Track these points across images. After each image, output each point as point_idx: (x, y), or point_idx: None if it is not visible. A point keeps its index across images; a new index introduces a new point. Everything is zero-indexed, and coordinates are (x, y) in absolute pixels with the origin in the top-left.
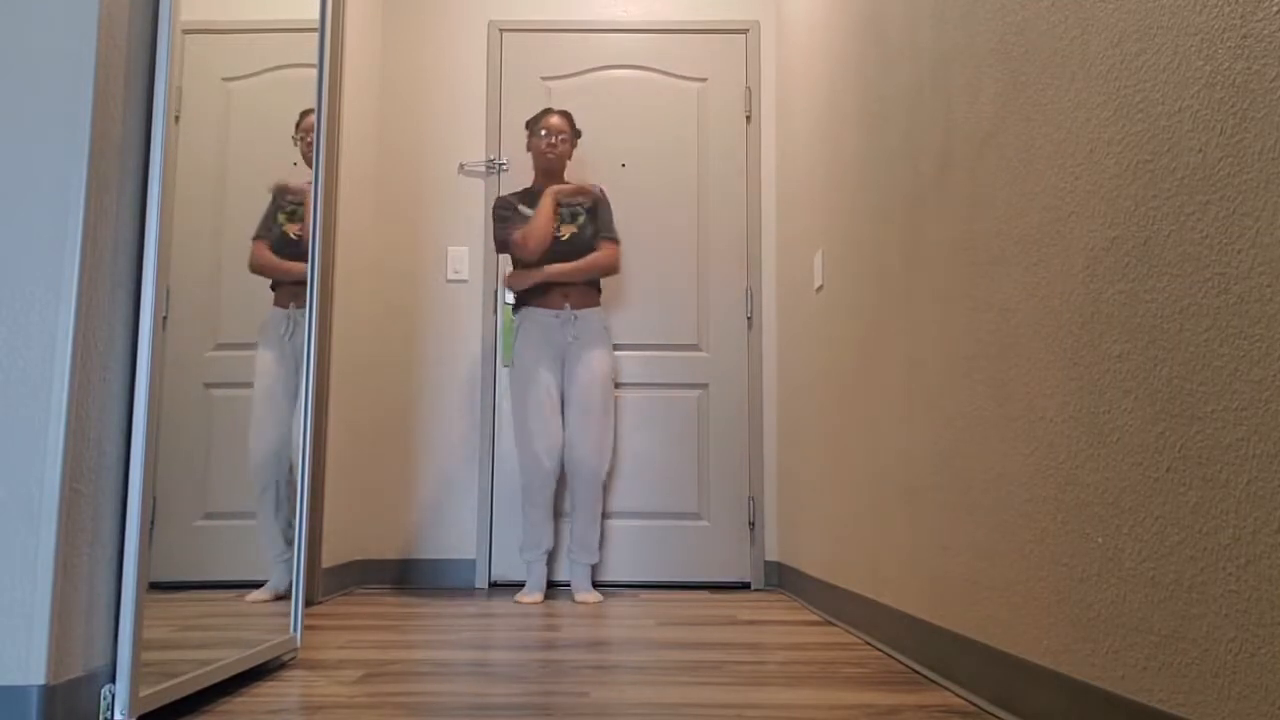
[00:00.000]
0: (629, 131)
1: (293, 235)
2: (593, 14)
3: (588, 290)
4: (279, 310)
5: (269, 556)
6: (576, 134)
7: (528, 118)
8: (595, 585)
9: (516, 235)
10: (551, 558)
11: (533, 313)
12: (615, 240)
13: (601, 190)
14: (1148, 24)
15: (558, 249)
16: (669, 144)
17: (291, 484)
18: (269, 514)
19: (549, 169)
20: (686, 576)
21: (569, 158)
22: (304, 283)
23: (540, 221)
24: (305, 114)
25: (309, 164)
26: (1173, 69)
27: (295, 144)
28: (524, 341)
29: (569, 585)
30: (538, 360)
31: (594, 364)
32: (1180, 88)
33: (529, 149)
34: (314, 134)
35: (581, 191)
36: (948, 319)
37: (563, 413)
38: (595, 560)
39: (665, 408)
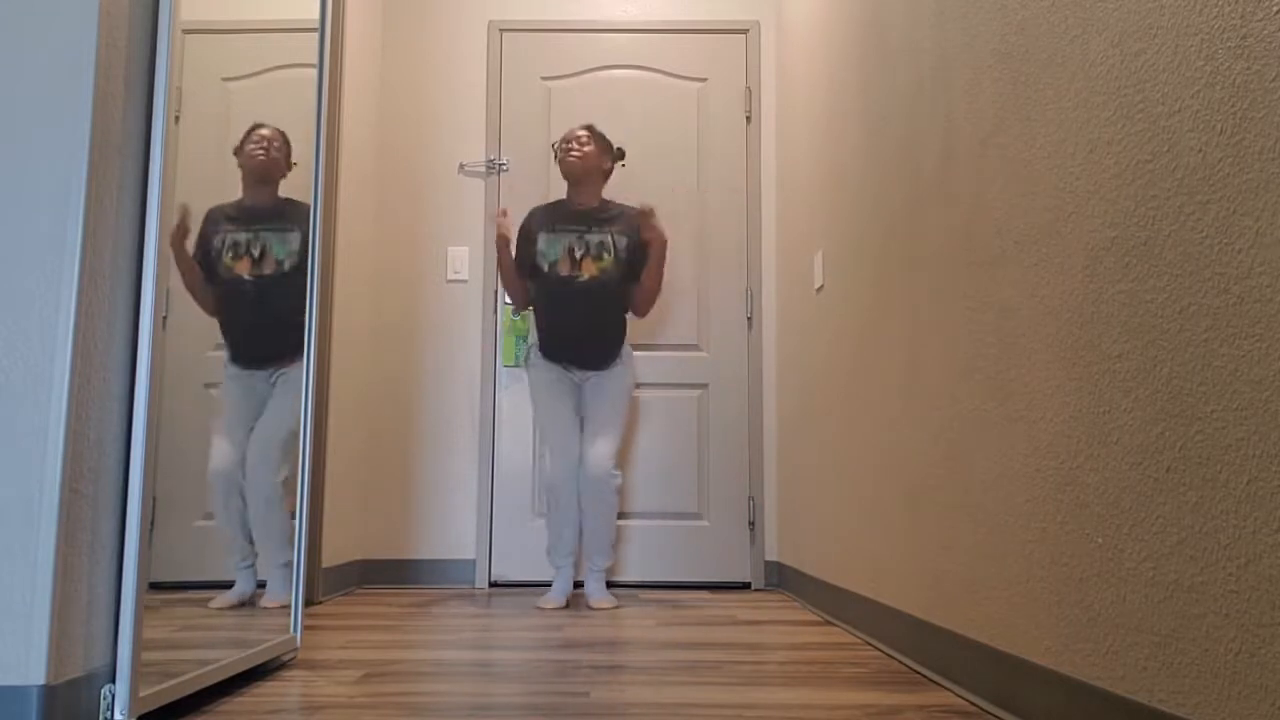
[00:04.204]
0: (629, 131)
1: (246, 276)
2: (592, 14)
3: (604, 355)
4: (250, 368)
5: (233, 561)
6: (612, 152)
7: (523, 119)
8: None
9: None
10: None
11: (541, 356)
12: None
13: (647, 222)
14: (1148, 24)
15: (576, 291)
16: (669, 144)
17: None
18: (235, 520)
19: (574, 178)
20: (686, 576)
21: (601, 167)
22: (280, 337)
23: (504, 277)
24: (256, 127)
25: (248, 166)
26: (1173, 69)
27: (237, 156)
28: (537, 370)
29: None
30: (552, 387)
31: (611, 388)
32: (1180, 88)
33: (563, 175)
34: (266, 142)
35: (596, 216)
36: (948, 319)
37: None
38: (607, 563)
39: (665, 408)
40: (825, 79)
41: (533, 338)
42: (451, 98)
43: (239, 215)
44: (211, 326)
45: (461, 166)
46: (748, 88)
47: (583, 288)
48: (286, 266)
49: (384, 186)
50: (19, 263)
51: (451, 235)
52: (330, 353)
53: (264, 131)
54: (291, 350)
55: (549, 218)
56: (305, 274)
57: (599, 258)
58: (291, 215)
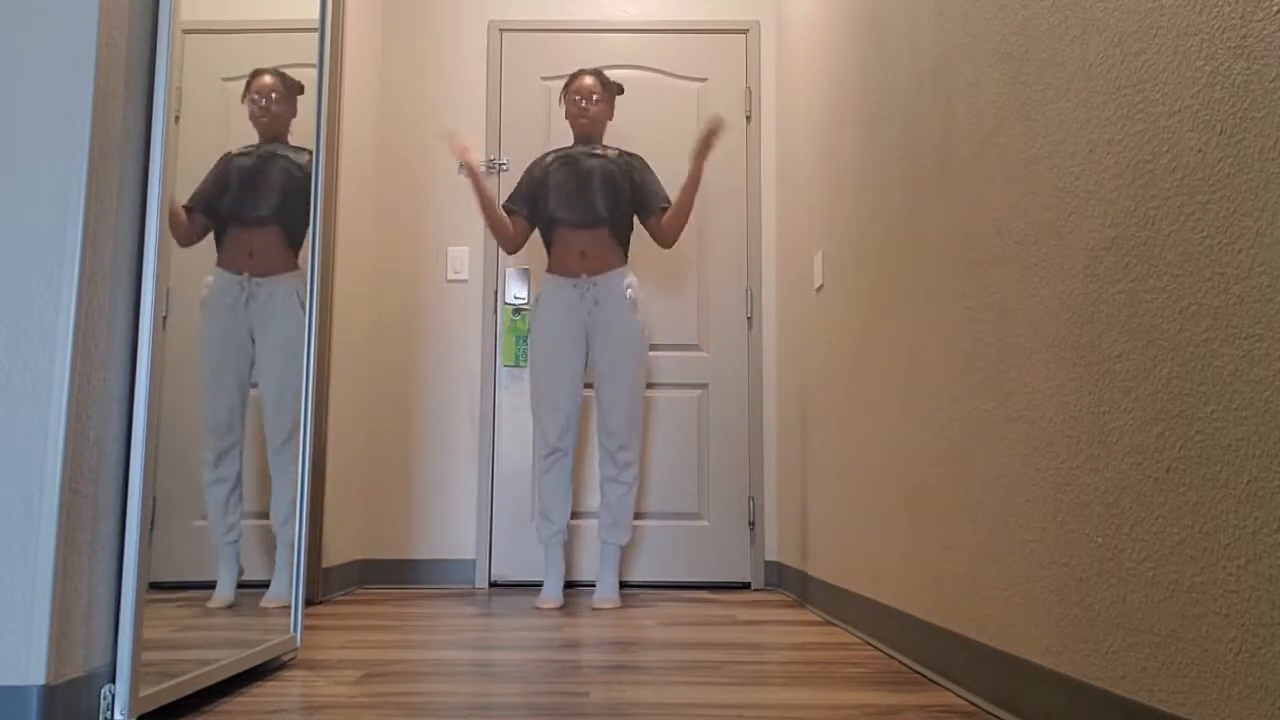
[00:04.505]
0: (629, 131)
1: (247, 165)
2: (593, 14)
3: (609, 250)
4: (228, 275)
5: (216, 539)
6: (614, 92)
7: (523, 119)
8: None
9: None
10: (566, 551)
11: (550, 280)
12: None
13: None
14: (1148, 24)
15: (584, 166)
16: (669, 144)
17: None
18: (220, 504)
19: (584, 133)
20: (686, 576)
21: (608, 118)
22: (261, 240)
23: (487, 215)
24: (255, 75)
25: (255, 127)
26: (1173, 69)
27: (243, 102)
28: (542, 313)
29: (586, 585)
30: (556, 337)
31: (618, 332)
32: (1180, 88)
33: (566, 117)
34: (265, 96)
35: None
36: (947, 319)
37: (594, 382)
38: (625, 539)
39: (665, 408)
40: (825, 79)
41: (535, 308)
42: (451, 98)
43: (250, 151)
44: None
45: (461, 166)
46: (748, 88)
47: (589, 165)
48: (290, 180)
49: (384, 186)
50: (19, 263)
51: (451, 235)
52: (330, 353)
53: (264, 81)
54: (277, 257)
55: (560, 156)
56: (308, 198)
57: (603, 157)
58: (299, 154)
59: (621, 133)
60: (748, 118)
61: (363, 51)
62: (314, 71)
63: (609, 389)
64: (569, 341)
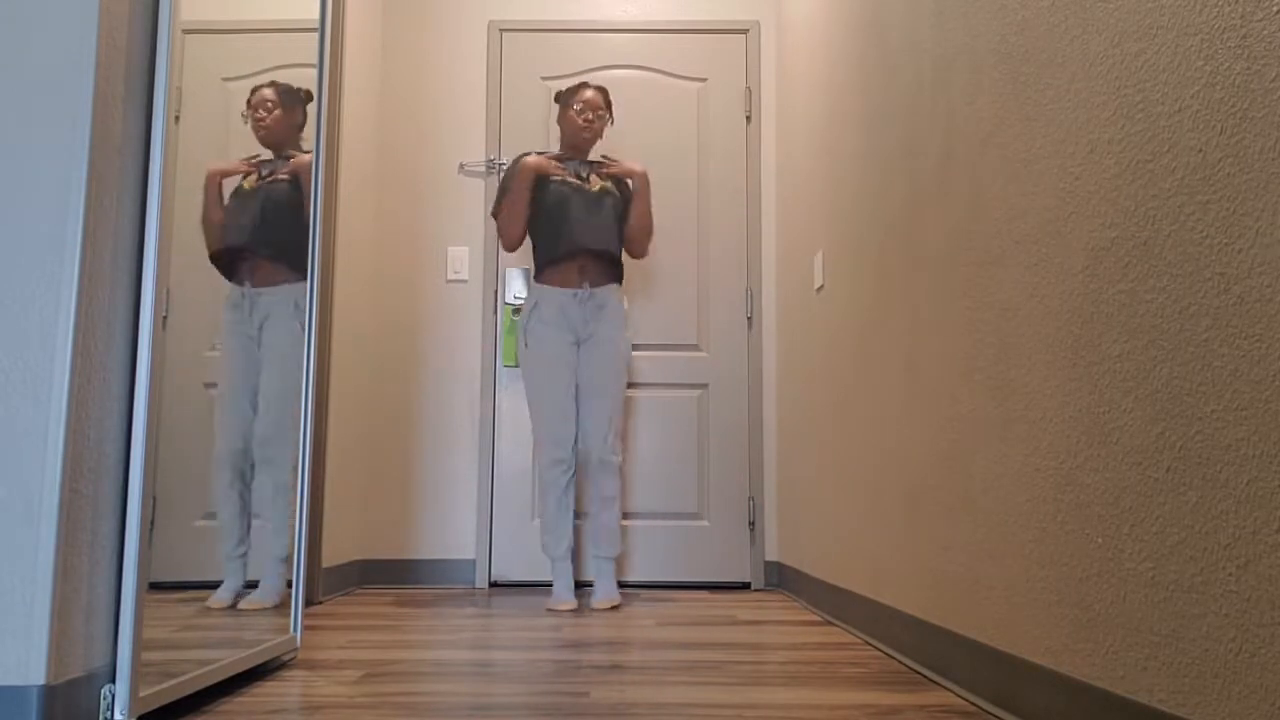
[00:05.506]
0: (629, 131)
1: (247, 187)
2: (592, 14)
3: (608, 267)
4: (234, 287)
5: (226, 549)
6: (610, 115)
7: (523, 119)
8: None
9: (500, 217)
10: (574, 555)
11: (548, 291)
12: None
13: (624, 165)
14: (1148, 24)
15: (588, 195)
16: (669, 144)
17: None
18: (236, 504)
19: (577, 145)
20: (686, 576)
21: (600, 137)
22: (266, 255)
23: (517, 205)
24: (255, 89)
25: (259, 140)
26: (1173, 69)
27: (245, 121)
28: (538, 323)
29: (589, 585)
30: (553, 345)
31: (608, 348)
32: (1180, 88)
33: (559, 121)
34: (262, 110)
35: (614, 173)
36: (947, 319)
37: (579, 396)
38: (617, 552)
39: (665, 408)
40: (825, 79)
41: (529, 320)
42: (451, 98)
43: (254, 165)
44: (211, 326)
45: (461, 166)
46: (748, 88)
47: (593, 194)
48: (288, 198)
49: (384, 186)
50: (19, 263)
51: (451, 235)
52: (330, 353)
53: (264, 94)
54: (284, 269)
55: (555, 157)
56: (308, 209)
57: (603, 179)
58: (301, 167)
59: (622, 132)
60: (748, 118)
61: (363, 51)
62: (314, 71)
63: (593, 405)
64: (565, 357)
